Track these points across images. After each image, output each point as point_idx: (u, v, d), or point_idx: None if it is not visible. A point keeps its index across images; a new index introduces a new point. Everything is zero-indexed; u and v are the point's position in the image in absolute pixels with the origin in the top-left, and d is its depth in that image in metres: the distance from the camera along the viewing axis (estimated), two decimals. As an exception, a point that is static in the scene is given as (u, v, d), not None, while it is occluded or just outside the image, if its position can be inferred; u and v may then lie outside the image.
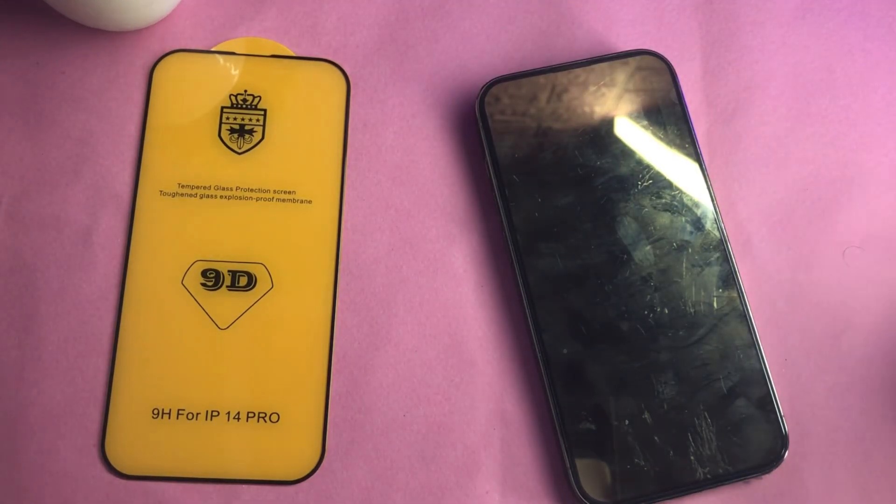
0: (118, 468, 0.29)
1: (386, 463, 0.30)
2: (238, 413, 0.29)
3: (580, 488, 0.29)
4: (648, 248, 0.31)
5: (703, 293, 0.31)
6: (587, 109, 0.32)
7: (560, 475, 0.30)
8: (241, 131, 0.32)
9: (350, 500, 0.29)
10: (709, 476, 0.29)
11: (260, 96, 0.33)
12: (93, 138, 0.32)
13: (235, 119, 0.32)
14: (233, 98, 0.33)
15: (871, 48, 0.36)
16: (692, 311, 0.31)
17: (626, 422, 0.29)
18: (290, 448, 0.29)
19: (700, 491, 0.29)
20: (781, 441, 0.29)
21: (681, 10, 0.36)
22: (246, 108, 0.33)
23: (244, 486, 0.29)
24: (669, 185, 0.32)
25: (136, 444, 0.29)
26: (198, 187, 0.32)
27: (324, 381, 0.30)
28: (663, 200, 0.32)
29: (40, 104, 0.32)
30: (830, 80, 0.35)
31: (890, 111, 0.35)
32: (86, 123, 0.32)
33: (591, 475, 0.29)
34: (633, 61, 0.33)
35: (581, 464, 0.29)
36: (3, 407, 0.29)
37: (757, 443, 0.29)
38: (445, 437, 0.30)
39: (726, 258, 0.31)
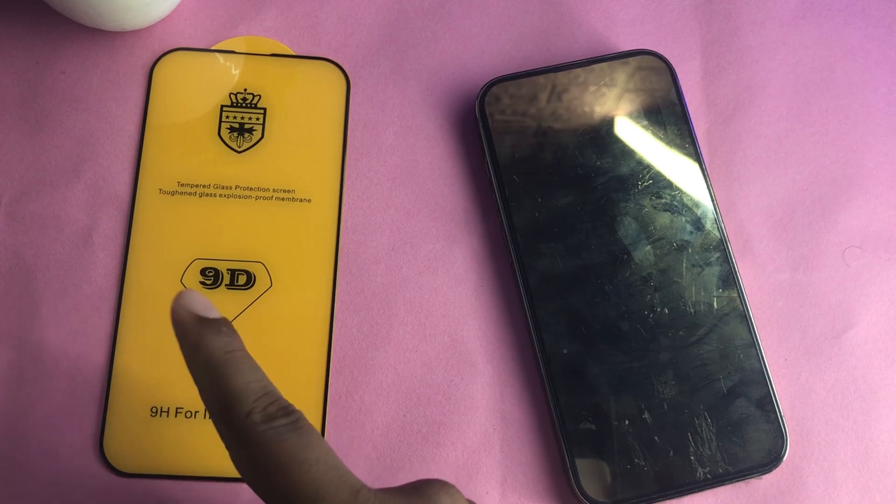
0: (116, 466, 0.29)
1: (386, 463, 0.30)
2: None
3: (580, 488, 0.29)
4: (648, 248, 0.31)
5: (703, 293, 0.31)
6: (587, 109, 0.32)
7: (560, 475, 0.30)
8: (241, 130, 0.32)
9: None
10: (709, 476, 0.29)
11: (260, 95, 0.33)
12: (93, 138, 0.32)
13: (235, 118, 0.32)
14: (233, 97, 0.33)
15: (871, 48, 0.36)
16: (692, 311, 0.31)
17: (626, 422, 0.29)
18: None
19: (700, 491, 0.29)
20: (781, 441, 0.29)
21: (681, 10, 0.36)
22: (246, 107, 0.33)
23: (244, 486, 0.29)
24: (669, 185, 0.32)
25: (135, 442, 0.29)
26: (197, 186, 0.32)
27: (322, 380, 0.30)
28: (663, 200, 0.32)
29: (40, 104, 0.32)
30: (830, 80, 0.35)
31: (890, 111, 0.35)
32: (86, 123, 0.32)
33: (591, 475, 0.29)
34: (633, 61, 0.33)
35: (581, 464, 0.29)
36: (4, 407, 0.29)
37: (757, 443, 0.29)
38: (445, 437, 0.30)
39: (726, 258, 0.31)
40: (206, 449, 0.29)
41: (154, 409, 0.29)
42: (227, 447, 0.21)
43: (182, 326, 0.23)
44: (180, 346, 0.23)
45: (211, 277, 0.31)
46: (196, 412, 0.29)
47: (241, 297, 0.31)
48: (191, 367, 0.23)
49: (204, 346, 0.22)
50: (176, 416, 0.29)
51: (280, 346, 0.30)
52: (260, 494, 0.21)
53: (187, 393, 0.29)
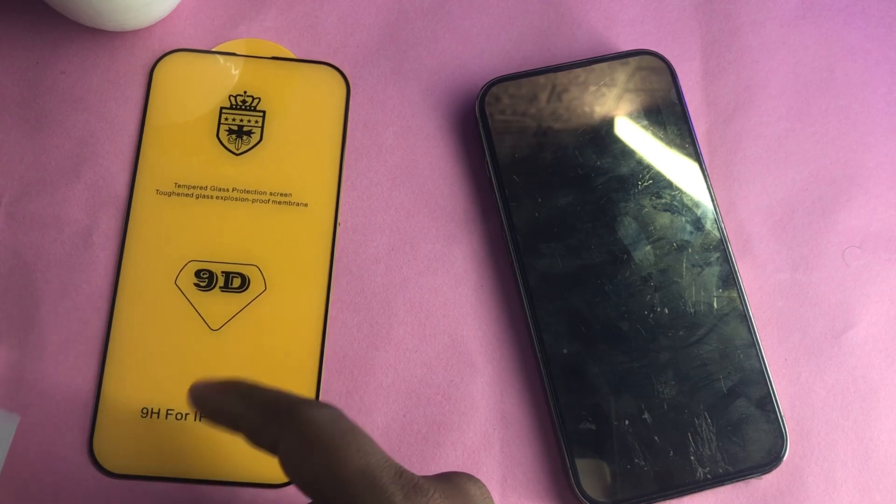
0: (106, 466, 0.29)
1: (386, 463, 0.30)
2: None
3: (580, 488, 0.29)
4: (648, 248, 0.31)
5: (703, 293, 0.31)
6: (587, 109, 0.32)
7: (560, 475, 0.30)
8: (240, 132, 0.32)
9: (350, 500, 0.29)
10: (709, 476, 0.29)
11: (259, 98, 0.33)
12: (93, 138, 0.32)
13: (234, 120, 0.32)
14: (232, 99, 0.33)
15: (871, 48, 0.36)
16: (692, 311, 0.31)
17: (626, 422, 0.29)
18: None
19: (700, 491, 0.29)
20: (781, 441, 0.29)
21: (681, 10, 0.36)
22: (245, 110, 0.33)
23: (240, 488, 0.29)
24: (669, 185, 0.32)
25: (125, 443, 0.29)
26: (194, 187, 0.32)
27: (314, 384, 0.30)
28: (663, 200, 0.32)
29: (40, 104, 0.32)
30: (830, 80, 0.35)
31: (890, 111, 0.35)
32: (86, 123, 0.32)
33: (591, 475, 0.29)
34: (633, 61, 0.33)
35: (581, 464, 0.29)
36: (4, 407, 0.29)
37: (757, 443, 0.29)
38: (445, 437, 0.30)
39: (726, 258, 0.31)
40: (197, 451, 0.29)
41: (145, 411, 0.29)
42: (277, 442, 0.22)
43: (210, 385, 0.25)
44: (204, 401, 0.25)
45: (205, 279, 0.31)
46: (186, 414, 0.29)
47: (236, 299, 0.30)
48: (225, 401, 0.24)
49: (239, 382, 0.24)
50: (167, 417, 0.29)
51: (273, 350, 0.30)
52: (305, 479, 0.22)
53: (178, 395, 0.29)
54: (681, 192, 0.32)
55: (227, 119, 0.32)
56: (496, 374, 0.31)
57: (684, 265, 0.31)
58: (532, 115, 0.32)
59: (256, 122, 0.32)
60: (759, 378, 0.30)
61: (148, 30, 0.33)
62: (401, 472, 0.21)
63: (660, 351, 0.30)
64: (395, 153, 0.33)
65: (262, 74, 0.33)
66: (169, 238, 0.31)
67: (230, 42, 0.33)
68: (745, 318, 0.31)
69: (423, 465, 0.30)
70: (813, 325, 0.32)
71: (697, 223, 0.32)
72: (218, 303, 0.30)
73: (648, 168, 0.32)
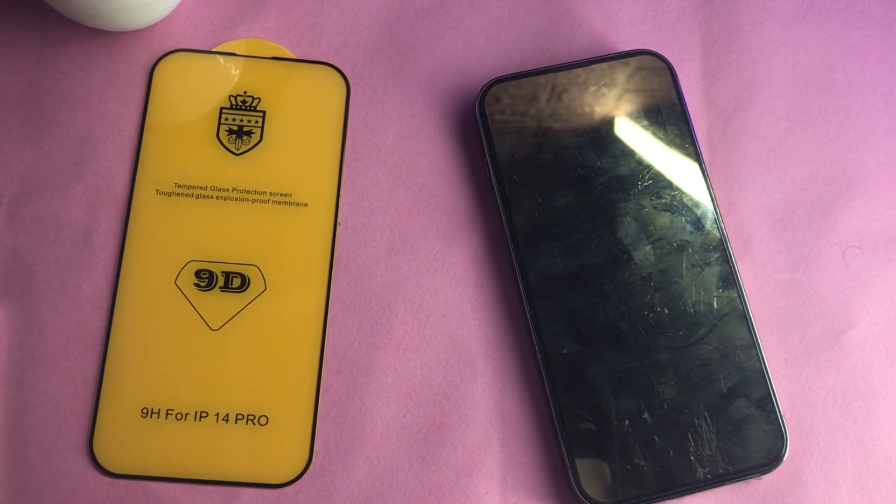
0: (106, 466, 0.29)
1: (386, 463, 0.30)
2: (227, 415, 0.29)
3: (580, 488, 0.29)
4: (648, 248, 0.31)
5: (703, 293, 0.31)
6: (587, 109, 0.32)
7: (560, 475, 0.30)
8: (240, 132, 0.32)
9: (350, 500, 0.29)
10: (709, 476, 0.29)
11: (259, 98, 0.33)
12: (93, 138, 0.32)
13: (234, 120, 0.32)
14: (232, 99, 0.33)
15: (871, 48, 0.36)
16: (692, 311, 0.31)
17: (626, 422, 0.29)
18: (277, 451, 0.29)
19: (700, 491, 0.29)
20: (781, 441, 0.29)
21: (681, 10, 0.36)
22: (245, 110, 0.33)
23: (240, 489, 0.29)
24: (669, 185, 0.32)
25: (125, 443, 0.29)
26: (194, 187, 0.32)
27: (314, 385, 0.30)
28: (663, 200, 0.32)
29: (40, 104, 0.32)
30: (830, 80, 0.35)
31: (890, 111, 0.35)
32: (86, 123, 0.32)
33: (591, 475, 0.29)
34: (633, 61, 0.33)
35: (581, 464, 0.29)
36: (4, 407, 0.29)
37: (757, 443, 0.29)
38: (445, 437, 0.30)
39: (726, 258, 0.31)
40: (197, 451, 0.29)
41: (145, 411, 0.29)
42: None
43: None
44: None
45: (205, 279, 0.31)
46: (186, 414, 0.29)
47: (236, 299, 0.31)
48: None
49: None
50: (167, 417, 0.29)
51: (272, 350, 0.30)
52: None
53: (178, 395, 0.29)
54: (681, 192, 0.32)
55: (227, 119, 0.32)
56: (496, 374, 0.31)
57: (684, 265, 0.31)
58: (532, 116, 0.32)
59: (256, 122, 0.32)
60: (759, 378, 0.30)
61: (148, 30, 0.33)
62: None
63: (660, 351, 0.30)
64: (395, 153, 0.33)
65: (262, 74, 0.33)
66: (169, 238, 0.31)
67: (230, 42, 0.33)
68: (745, 318, 0.31)
69: (423, 464, 0.30)
70: (813, 325, 0.32)
71: (697, 223, 0.32)
72: (218, 303, 0.30)
73: (648, 168, 0.32)
